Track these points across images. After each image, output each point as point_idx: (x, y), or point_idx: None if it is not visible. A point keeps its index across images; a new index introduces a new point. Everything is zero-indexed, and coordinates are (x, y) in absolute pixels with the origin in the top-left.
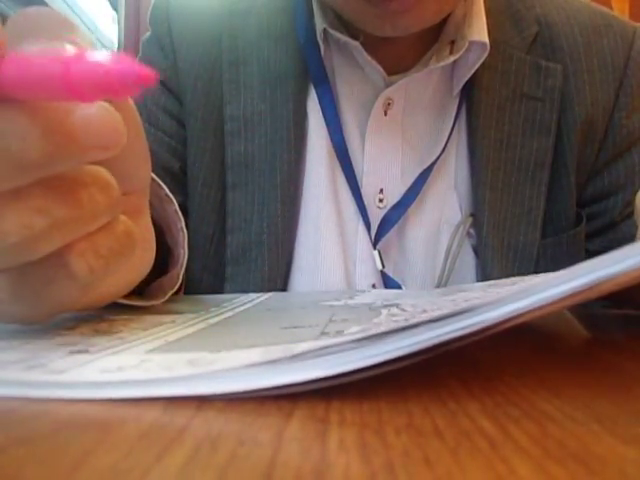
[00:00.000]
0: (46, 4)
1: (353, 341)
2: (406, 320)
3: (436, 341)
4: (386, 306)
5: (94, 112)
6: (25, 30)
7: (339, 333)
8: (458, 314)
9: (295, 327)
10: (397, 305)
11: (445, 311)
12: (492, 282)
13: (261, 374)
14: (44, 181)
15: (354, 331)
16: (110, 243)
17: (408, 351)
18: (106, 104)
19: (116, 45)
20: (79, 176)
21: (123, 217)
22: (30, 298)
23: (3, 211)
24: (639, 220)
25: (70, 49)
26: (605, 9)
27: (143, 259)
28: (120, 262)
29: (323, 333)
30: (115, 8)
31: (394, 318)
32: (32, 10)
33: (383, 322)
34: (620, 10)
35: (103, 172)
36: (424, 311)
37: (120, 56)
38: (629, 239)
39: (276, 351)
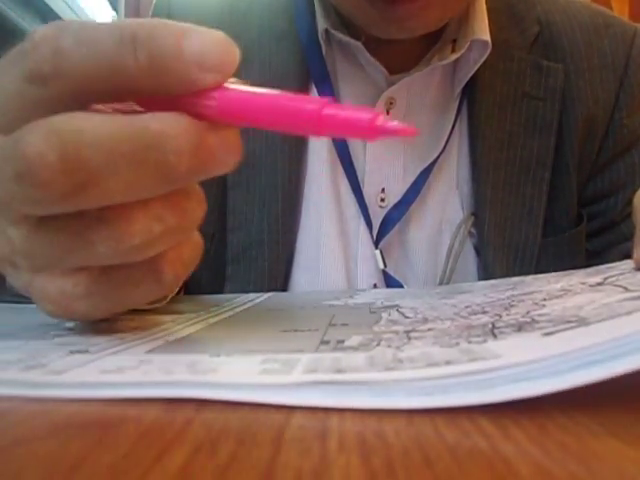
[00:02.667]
0: (46, 4)
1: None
2: (407, 334)
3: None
4: (386, 308)
5: (227, 133)
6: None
7: (339, 343)
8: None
9: (295, 330)
10: (397, 307)
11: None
12: (492, 282)
13: (259, 392)
14: None
15: (354, 344)
16: (191, 253)
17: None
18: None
19: None
20: (185, 189)
21: None
22: (107, 296)
23: (132, 215)
24: (636, 218)
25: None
26: (605, 9)
27: None
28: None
29: (323, 342)
30: (115, 8)
31: (394, 327)
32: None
33: (383, 333)
34: (620, 10)
35: (198, 187)
36: (425, 320)
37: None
38: (628, 239)
39: (275, 364)
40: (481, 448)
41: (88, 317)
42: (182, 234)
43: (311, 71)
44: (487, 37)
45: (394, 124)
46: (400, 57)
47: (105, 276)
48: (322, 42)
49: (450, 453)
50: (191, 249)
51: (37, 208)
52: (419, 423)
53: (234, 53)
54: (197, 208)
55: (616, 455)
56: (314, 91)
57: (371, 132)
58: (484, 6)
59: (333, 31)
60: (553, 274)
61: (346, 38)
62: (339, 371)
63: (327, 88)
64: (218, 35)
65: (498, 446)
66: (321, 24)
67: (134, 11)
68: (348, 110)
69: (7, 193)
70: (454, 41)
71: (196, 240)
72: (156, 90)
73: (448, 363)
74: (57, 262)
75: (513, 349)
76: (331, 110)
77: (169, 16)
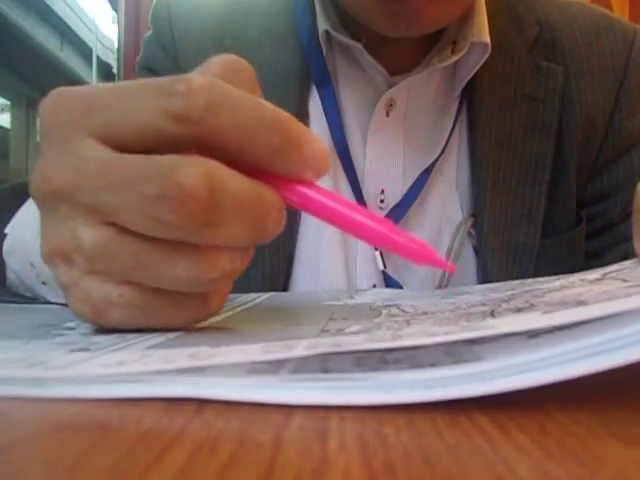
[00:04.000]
0: (46, 4)
1: (354, 353)
2: (407, 321)
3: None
4: (386, 306)
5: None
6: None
7: (340, 331)
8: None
9: (297, 324)
10: (397, 306)
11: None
12: (492, 286)
13: (259, 389)
14: None
15: (355, 330)
16: (229, 285)
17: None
18: None
19: (116, 45)
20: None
21: None
22: (147, 313)
23: (221, 253)
24: (634, 217)
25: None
26: (605, 10)
27: None
28: None
29: (324, 331)
30: (115, 8)
31: (394, 318)
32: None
33: (383, 322)
34: (620, 11)
35: None
36: (425, 312)
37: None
38: (627, 240)
39: (275, 348)
40: (481, 448)
41: (116, 326)
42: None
43: (312, 72)
44: (487, 39)
45: (440, 258)
46: (400, 59)
47: (154, 294)
48: (323, 44)
49: (450, 453)
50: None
51: (158, 228)
52: (419, 423)
53: (327, 157)
54: (252, 254)
55: (616, 455)
56: (315, 92)
57: (420, 259)
58: (484, 7)
59: (334, 32)
60: (553, 277)
61: (346, 39)
62: (339, 345)
63: (328, 89)
64: (323, 146)
65: (498, 446)
66: (321, 25)
67: (134, 11)
68: (408, 238)
69: (131, 203)
70: (454, 43)
71: None
72: (269, 168)
73: (447, 333)
74: (122, 270)
75: (511, 323)
76: (393, 234)
77: (169, 16)
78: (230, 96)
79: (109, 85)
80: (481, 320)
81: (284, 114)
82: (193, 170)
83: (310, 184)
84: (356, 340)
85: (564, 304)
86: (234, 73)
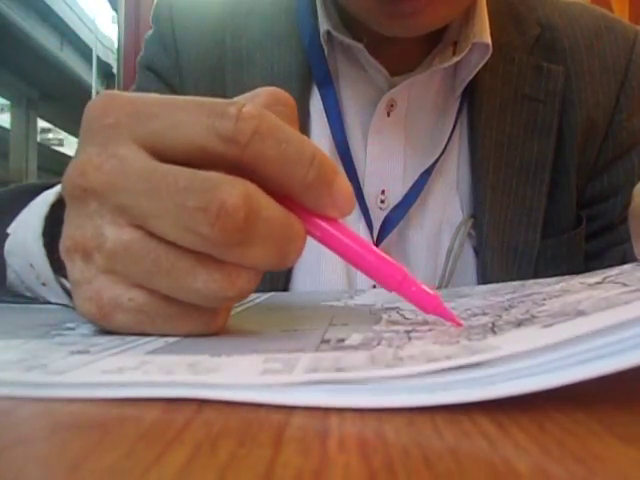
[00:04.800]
0: (46, 4)
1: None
2: (407, 333)
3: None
4: (386, 309)
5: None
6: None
7: (340, 342)
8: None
9: (295, 330)
10: (397, 309)
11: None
12: (492, 287)
13: (260, 391)
14: None
15: (355, 342)
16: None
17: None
18: None
19: (116, 45)
20: None
21: None
22: (153, 319)
23: (241, 273)
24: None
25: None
26: (606, 11)
27: None
28: None
29: (323, 341)
30: (115, 8)
31: (395, 327)
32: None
33: (383, 332)
34: (620, 11)
35: None
36: (425, 321)
37: (438, 302)
38: (627, 241)
39: (275, 364)
40: (481, 448)
41: (118, 329)
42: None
43: (313, 72)
44: (488, 40)
45: (448, 311)
46: (401, 59)
47: (165, 303)
48: (324, 44)
49: (450, 453)
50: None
51: (191, 238)
52: (419, 423)
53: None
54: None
55: (616, 455)
56: (316, 93)
57: (429, 310)
58: (485, 8)
59: (335, 33)
60: (553, 278)
61: (348, 40)
62: (340, 370)
63: (329, 89)
64: (351, 188)
65: (498, 446)
66: (323, 25)
67: (134, 11)
68: (419, 288)
69: (168, 211)
70: (455, 43)
71: None
72: (299, 200)
73: (448, 358)
74: (139, 275)
75: (512, 342)
76: (407, 284)
77: (170, 17)
78: (276, 127)
79: (160, 96)
80: (482, 338)
81: (322, 152)
82: (236, 190)
83: (333, 221)
84: (356, 362)
85: (564, 315)
86: (279, 106)
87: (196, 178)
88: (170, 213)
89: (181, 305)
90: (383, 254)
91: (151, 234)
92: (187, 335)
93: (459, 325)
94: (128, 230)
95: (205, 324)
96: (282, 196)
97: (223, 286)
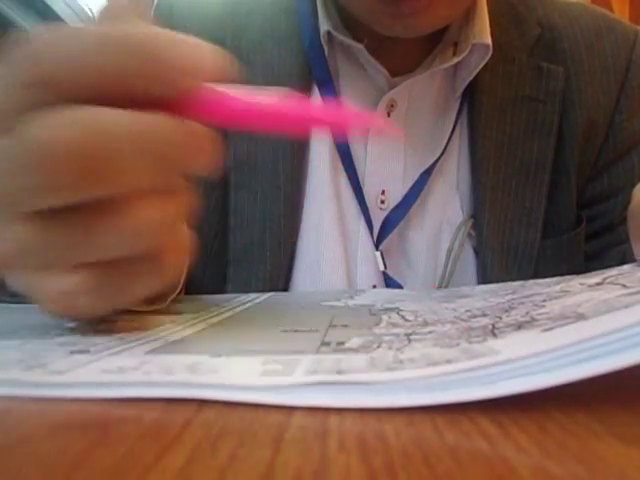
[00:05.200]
0: (46, 4)
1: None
2: (407, 336)
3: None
4: (386, 310)
5: (208, 132)
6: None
7: (340, 345)
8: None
9: (295, 331)
10: (397, 310)
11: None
12: (492, 287)
13: (260, 392)
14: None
15: (355, 345)
16: (185, 242)
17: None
18: None
19: None
20: (177, 181)
21: None
22: (109, 292)
23: (137, 203)
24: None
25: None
26: (606, 11)
27: None
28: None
29: (323, 343)
30: None
31: (395, 329)
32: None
33: (384, 335)
34: (620, 11)
35: (185, 180)
36: (425, 323)
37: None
38: (626, 242)
39: (275, 365)
40: (481, 448)
41: (90, 314)
42: (179, 224)
43: (313, 73)
44: (488, 40)
45: (390, 125)
46: (402, 59)
47: (106, 271)
48: (324, 44)
49: (450, 453)
50: (183, 237)
51: (47, 196)
52: (419, 423)
53: (223, 61)
54: (189, 199)
55: (616, 455)
56: (316, 93)
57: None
58: (485, 9)
59: (335, 33)
60: (553, 279)
61: (348, 40)
62: (340, 372)
63: (329, 89)
64: (207, 46)
65: (498, 446)
66: (323, 26)
67: None
68: (333, 107)
69: (14, 188)
70: (455, 44)
71: (185, 230)
72: (145, 94)
73: (449, 362)
74: (62, 257)
75: (513, 345)
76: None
77: (171, 17)
78: (72, 39)
79: None
80: (482, 340)
81: (138, 38)
82: (45, 122)
83: (217, 96)
84: (356, 364)
85: (564, 318)
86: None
87: (9, 143)
88: (17, 188)
89: (120, 267)
90: (278, 100)
91: (41, 217)
92: (149, 292)
93: (397, 134)
94: (25, 222)
95: (155, 274)
96: (152, 103)
97: (123, 227)
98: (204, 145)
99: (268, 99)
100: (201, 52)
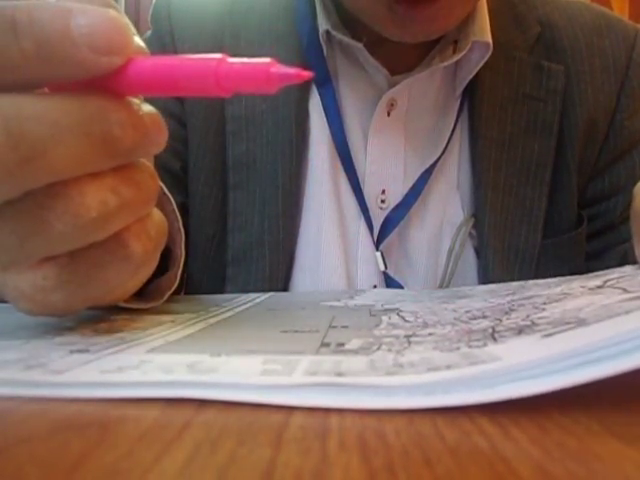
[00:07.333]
0: None
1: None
2: (407, 338)
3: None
4: (386, 311)
5: (151, 109)
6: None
7: (339, 347)
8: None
9: (295, 331)
10: (398, 311)
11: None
12: (492, 287)
13: (260, 392)
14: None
15: (355, 347)
16: (155, 227)
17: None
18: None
19: None
20: (136, 163)
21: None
22: (80, 283)
23: (85, 188)
24: (633, 218)
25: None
26: (607, 10)
27: None
28: (159, 249)
29: (323, 344)
30: None
31: (395, 331)
32: None
33: (383, 337)
34: (620, 11)
35: (147, 163)
36: (425, 324)
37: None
38: (627, 241)
39: (275, 365)
40: (481, 448)
41: (67, 310)
42: (140, 208)
43: (312, 72)
44: (488, 38)
45: (289, 70)
46: (401, 58)
47: (74, 263)
48: (323, 43)
49: (450, 453)
50: (155, 224)
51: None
52: (419, 423)
53: (125, 29)
54: (150, 182)
55: (616, 455)
56: (315, 92)
57: (269, 81)
58: (485, 7)
59: (334, 32)
60: (553, 279)
61: (347, 39)
62: (339, 374)
63: (328, 89)
64: (108, 13)
65: (498, 446)
66: (322, 25)
67: (134, 11)
68: (244, 64)
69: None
70: (455, 42)
71: (159, 217)
72: (49, 78)
73: (449, 367)
74: (21, 253)
75: (513, 351)
76: (227, 65)
77: (169, 16)
78: None
79: None
80: (482, 345)
81: (25, 10)
82: None
83: (136, 63)
84: (356, 367)
85: (565, 323)
86: None
87: None
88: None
89: (85, 255)
90: (191, 57)
91: None
92: (124, 279)
93: (306, 77)
94: None
95: (123, 259)
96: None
97: (76, 212)
98: (146, 123)
99: (179, 62)
100: (108, 21)
